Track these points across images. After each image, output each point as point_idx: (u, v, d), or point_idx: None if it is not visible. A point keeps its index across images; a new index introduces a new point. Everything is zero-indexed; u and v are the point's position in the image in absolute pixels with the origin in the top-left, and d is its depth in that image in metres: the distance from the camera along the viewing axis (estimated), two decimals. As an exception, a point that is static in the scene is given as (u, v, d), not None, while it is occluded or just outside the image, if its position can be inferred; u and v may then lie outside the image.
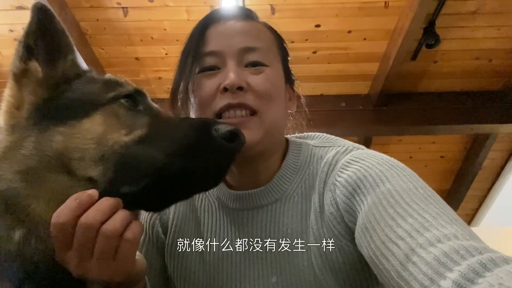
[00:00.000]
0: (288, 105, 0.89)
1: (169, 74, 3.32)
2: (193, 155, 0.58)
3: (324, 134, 0.92)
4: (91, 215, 0.51)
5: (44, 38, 0.62)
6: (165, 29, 2.98)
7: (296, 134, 0.96)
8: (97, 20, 2.95)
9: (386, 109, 3.38)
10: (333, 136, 0.90)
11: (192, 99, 0.83)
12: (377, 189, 0.64)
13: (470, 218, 4.62)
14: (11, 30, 3.03)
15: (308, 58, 3.13)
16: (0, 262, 0.50)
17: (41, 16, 0.60)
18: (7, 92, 0.60)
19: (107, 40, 3.09)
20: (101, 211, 0.51)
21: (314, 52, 3.11)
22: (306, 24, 2.91)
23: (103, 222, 0.51)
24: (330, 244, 0.74)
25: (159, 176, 0.56)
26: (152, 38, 3.05)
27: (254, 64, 0.79)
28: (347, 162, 0.74)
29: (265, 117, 0.78)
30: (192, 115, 0.84)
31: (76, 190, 0.53)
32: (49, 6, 0.62)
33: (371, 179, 0.67)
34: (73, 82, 0.63)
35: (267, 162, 0.83)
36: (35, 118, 0.58)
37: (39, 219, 0.52)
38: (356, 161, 0.73)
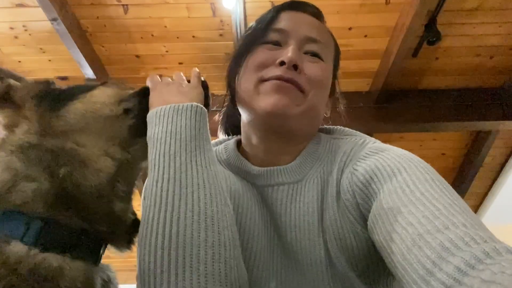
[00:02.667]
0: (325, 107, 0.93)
1: (169, 72, 3.32)
2: None
3: (341, 127, 0.95)
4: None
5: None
6: (165, 27, 2.97)
7: None
8: (98, 17, 2.95)
9: (387, 106, 3.38)
10: (350, 129, 0.94)
11: (244, 64, 0.85)
12: (394, 178, 0.65)
13: (471, 215, 4.62)
14: (11, 28, 3.03)
15: (309, 55, 3.12)
16: (13, 213, 0.57)
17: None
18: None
19: (108, 37, 3.09)
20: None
21: (315, 49, 3.11)
22: (307, 21, 2.90)
23: None
24: (345, 229, 0.75)
25: None
26: (152, 35, 3.05)
27: (313, 54, 0.84)
28: (366, 153, 0.76)
29: (309, 98, 0.81)
30: (239, 79, 0.86)
31: (118, 122, 0.71)
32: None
33: (389, 169, 0.68)
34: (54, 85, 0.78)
35: (292, 145, 0.85)
36: (43, 108, 0.69)
37: (85, 156, 0.64)
38: (375, 153, 0.74)
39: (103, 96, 0.72)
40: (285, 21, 0.85)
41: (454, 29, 2.95)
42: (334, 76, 0.94)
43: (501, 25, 2.94)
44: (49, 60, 3.26)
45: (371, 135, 0.88)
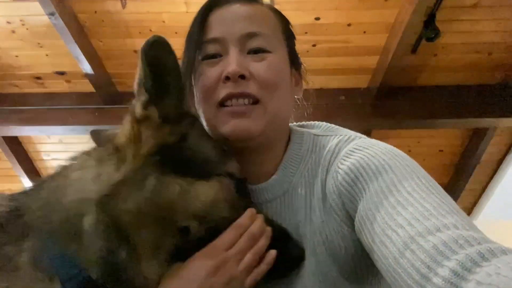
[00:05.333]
0: (294, 90, 0.88)
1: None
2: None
3: (325, 123, 0.91)
4: (259, 230, 0.69)
5: (158, 78, 0.66)
6: (163, 22, 2.96)
7: (297, 123, 0.95)
8: (95, 12, 2.93)
9: (385, 103, 3.37)
10: (334, 125, 0.90)
11: (195, 88, 0.82)
12: (380, 177, 0.64)
13: (468, 212, 4.64)
14: (8, 22, 3.01)
15: (307, 51, 3.11)
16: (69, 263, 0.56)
17: (156, 53, 0.65)
18: (126, 126, 0.67)
19: (105, 32, 3.07)
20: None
21: (314, 45, 3.10)
22: (306, 17, 2.89)
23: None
24: (332, 231, 0.73)
25: None
26: (150, 30, 3.03)
27: (257, 51, 0.78)
28: (350, 151, 0.74)
29: (268, 106, 0.77)
30: (197, 104, 0.83)
31: (167, 239, 0.62)
32: None
33: (374, 167, 0.66)
34: (190, 134, 0.71)
35: (271, 152, 0.82)
36: (157, 159, 0.64)
37: (139, 253, 0.59)
38: (360, 150, 0.72)
39: (202, 198, 0.65)
40: (215, 26, 0.79)
41: (453, 26, 2.95)
42: (292, 48, 0.88)
43: (500, 22, 2.93)
44: (47, 55, 3.24)
45: (369, 132, 0.86)
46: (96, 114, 3.41)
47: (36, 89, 3.52)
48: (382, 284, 0.77)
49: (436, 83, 3.39)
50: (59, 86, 3.48)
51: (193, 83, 0.83)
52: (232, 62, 0.75)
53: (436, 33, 2.84)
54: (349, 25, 2.98)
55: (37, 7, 2.75)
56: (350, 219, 0.71)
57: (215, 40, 0.78)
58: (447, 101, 3.34)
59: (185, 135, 0.70)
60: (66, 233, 0.57)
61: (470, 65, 3.26)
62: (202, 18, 0.81)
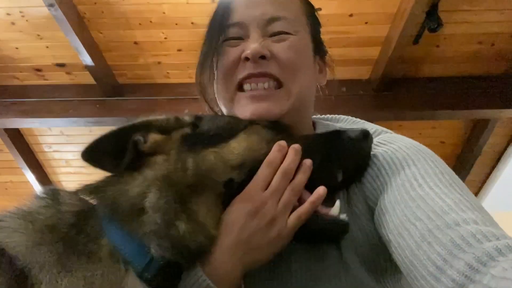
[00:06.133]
0: (317, 78, 0.87)
1: (168, 59, 3.29)
2: (331, 160, 0.71)
3: (350, 117, 0.92)
4: (291, 164, 0.66)
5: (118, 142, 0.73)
6: (164, 13, 2.93)
7: (321, 116, 0.95)
8: (95, 3, 2.91)
9: (387, 94, 3.36)
10: (359, 119, 0.90)
11: (216, 71, 0.82)
12: (402, 171, 0.64)
13: (469, 203, 4.64)
14: (8, 14, 2.99)
15: (308, 42, 3.09)
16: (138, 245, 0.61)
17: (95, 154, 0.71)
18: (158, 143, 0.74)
19: (105, 23, 3.05)
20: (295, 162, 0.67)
21: (315, 36, 3.08)
22: (307, 7, 2.87)
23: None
24: (352, 222, 0.72)
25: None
26: (151, 21, 3.01)
27: (279, 34, 0.78)
28: (375, 144, 0.74)
29: (291, 89, 0.76)
30: (216, 86, 0.83)
31: (218, 196, 0.66)
32: None
33: (397, 161, 0.67)
34: (200, 120, 0.77)
35: None
36: (186, 146, 0.71)
37: (201, 220, 0.64)
38: (384, 144, 0.73)
39: (236, 151, 0.70)
40: (239, 10, 0.79)
41: (456, 16, 2.92)
42: (316, 35, 0.88)
43: (503, 12, 2.90)
44: (47, 47, 3.23)
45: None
46: (97, 106, 3.41)
47: (36, 81, 3.51)
48: (401, 279, 0.76)
49: (438, 74, 3.38)
50: (59, 78, 3.47)
51: (214, 68, 0.83)
52: (252, 43, 0.75)
53: (439, 23, 2.81)
54: (350, 15, 2.96)
55: (36, -2, 2.74)
56: (369, 211, 0.71)
57: (237, 25, 0.78)
58: (449, 93, 3.33)
59: (197, 121, 0.77)
60: (132, 217, 0.63)
61: (472, 56, 3.23)
62: (226, 2, 0.81)
